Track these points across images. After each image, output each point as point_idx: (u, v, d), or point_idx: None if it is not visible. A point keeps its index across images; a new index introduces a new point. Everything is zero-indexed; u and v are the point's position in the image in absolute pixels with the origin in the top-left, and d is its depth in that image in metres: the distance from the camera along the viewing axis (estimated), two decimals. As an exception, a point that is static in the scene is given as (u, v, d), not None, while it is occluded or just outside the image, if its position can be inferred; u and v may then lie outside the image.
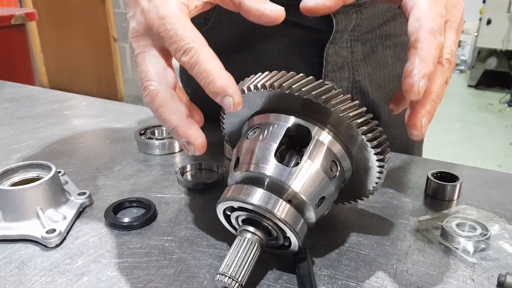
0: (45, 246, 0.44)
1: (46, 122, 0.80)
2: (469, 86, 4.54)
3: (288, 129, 0.41)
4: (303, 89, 0.39)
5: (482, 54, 4.33)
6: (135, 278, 0.39)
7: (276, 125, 0.42)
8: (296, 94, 0.39)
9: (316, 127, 0.41)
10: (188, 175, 0.60)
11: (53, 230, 0.44)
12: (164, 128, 0.71)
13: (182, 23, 0.38)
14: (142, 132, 0.69)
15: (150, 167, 0.62)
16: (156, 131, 0.70)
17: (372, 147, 0.40)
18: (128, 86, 3.92)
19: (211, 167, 0.61)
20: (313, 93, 0.38)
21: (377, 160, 0.41)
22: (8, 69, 1.29)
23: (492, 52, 4.28)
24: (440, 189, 0.54)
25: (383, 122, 0.78)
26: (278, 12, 0.39)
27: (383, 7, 0.69)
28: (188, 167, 0.61)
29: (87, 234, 0.46)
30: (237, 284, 0.36)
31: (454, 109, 3.98)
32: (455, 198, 0.54)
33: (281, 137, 0.40)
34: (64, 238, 0.45)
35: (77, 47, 4.01)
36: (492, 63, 4.30)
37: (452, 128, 3.50)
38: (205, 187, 0.55)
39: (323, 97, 0.39)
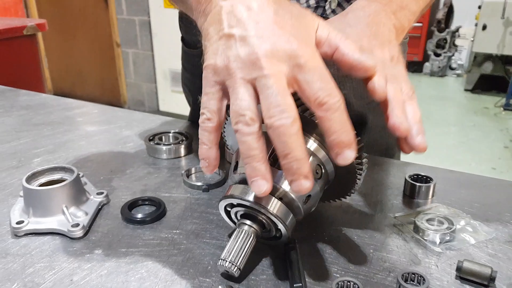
0: (71, 238, 0.51)
1: (62, 128, 0.87)
2: (466, 90, 4.62)
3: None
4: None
5: (478, 59, 4.41)
6: (149, 264, 0.46)
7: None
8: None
9: (305, 134, 0.48)
10: (193, 177, 0.67)
11: (77, 225, 0.51)
12: (170, 134, 0.78)
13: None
14: (151, 138, 0.76)
15: (159, 170, 0.69)
16: (163, 137, 0.77)
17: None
18: (130, 90, 4.00)
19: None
20: (299, 108, 0.46)
21: (356, 164, 0.48)
22: (20, 78, 1.36)
23: (488, 57, 4.36)
24: (415, 189, 0.61)
25: (364, 127, 0.86)
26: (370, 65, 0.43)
27: None
28: (193, 170, 0.68)
29: (106, 228, 0.53)
30: (236, 267, 0.43)
31: (451, 113, 4.05)
32: (430, 197, 0.61)
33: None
34: (87, 231, 0.52)
35: (80, 52, 4.09)
36: (488, 68, 4.38)
37: (448, 132, 3.57)
38: (208, 187, 0.62)
39: (309, 111, 0.46)
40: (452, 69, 5.15)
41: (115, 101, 4.09)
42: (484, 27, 4.08)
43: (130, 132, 0.85)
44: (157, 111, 3.77)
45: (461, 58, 5.16)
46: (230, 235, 0.50)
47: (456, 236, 0.51)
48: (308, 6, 0.72)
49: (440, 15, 4.83)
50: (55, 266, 0.46)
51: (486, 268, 0.44)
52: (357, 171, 0.49)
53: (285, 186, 0.45)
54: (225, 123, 0.57)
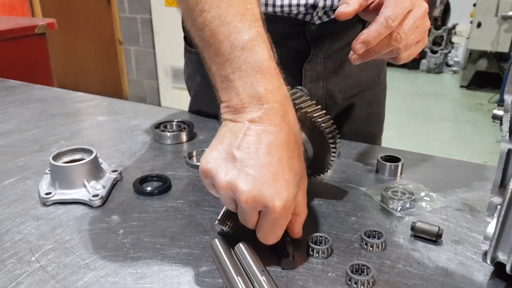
0: (91, 206, 0.61)
1: (76, 118, 0.97)
2: (461, 86, 4.70)
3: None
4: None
5: (473, 56, 4.50)
6: (159, 225, 0.56)
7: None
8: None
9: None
10: (194, 159, 0.76)
11: (97, 195, 0.61)
12: (174, 123, 0.88)
13: None
14: (156, 126, 0.86)
15: (164, 153, 0.78)
16: (168, 125, 0.87)
17: (326, 134, 0.57)
18: (132, 87, 4.09)
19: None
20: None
21: (330, 143, 0.58)
22: (31, 75, 1.45)
23: (483, 54, 4.45)
24: (385, 168, 0.70)
25: (349, 117, 0.95)
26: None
27: (350, 33, 0.87)
28: (194, 153, 0.77)
29: (121, 198, 0.63)
30: (228, 226, 0.52)
31: (446, 108, 4.14)
32: (398, 175, 0.71)
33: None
34: (105, 201, 0.62)
35: (83, 49, 4.19)
36: (482, 65, 4.47)
37: (443, 127, 3.66)
38: (207, 167, 0.72)
39: (293, 100, 0.55)
40: (448, 66, 5.23)
41: (117, 97, 4.16)
42: (479, 25, 4.17)
43: (137, 121, 0.94)
44: (159, 107, 3.87)
45: (458, 55, 5.25)
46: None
47: (416, 204, 0.61)
48: (298, 13, 0.80)
49: (437, 12, 4.92)
50: (79, 227, 0.56)
51: (434, 227, 0.53)
52: (332, 149, 0.59)
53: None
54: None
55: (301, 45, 0.85)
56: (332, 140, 0.58)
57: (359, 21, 0.90)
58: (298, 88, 0.66)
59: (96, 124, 0.93)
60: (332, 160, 0.61)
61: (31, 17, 2.93)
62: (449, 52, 5.20)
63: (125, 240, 0.53)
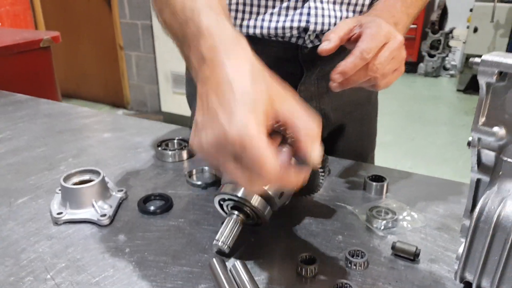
0: (99, 225, 0.66)
1: (82, 135, 1.02)
2: (458, 90, 4.76)
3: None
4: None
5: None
6: (161, 244, 0.61)
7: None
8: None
9: (280, 144, 0.63)
10: (194, 177, 0.82)
11: (104, 215, 0.66)
12: (175, 141, 0.93)
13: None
14: (159, 144, 0.91)
15: (166, 171, 0.84)
16: (169, 143, 0.92)
17: (315, 160, 0.62)
18: (133, 92, 4.15)
19: (210, 171, 0.83)
20: (275, 125, 0.60)
21: (319, 168, 0.63)
22: (36, 88, 1.50)
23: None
24: (372, 187, 0.76)
25: (341, 135, 1.00)
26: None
27: (341, 56, 0.93)
28: (194, 171, 0.82)
29: (126, 217, 0.68)
30: (226, 246, 0.58)
31: (442, 112, 4.20)
32: (384, 193, 0.76)
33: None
34: (112, 220, 0.67)
35: (84, 54, 4.24)
36: (479, 69, 4.52)
37: (439, 131, 3.71)
38: (206, 186, 0.77)
39: (281, 128, 0.60)
40: (446, 69, 5.28)
41: (118, 101, 4.25)
42: (476, 30, 4.22)
43: (140, 138, 1.00)
44: (159, 112, 3.92)
45: (455, 59, 5.30)
46: (222, 222, 0.64)
47: (397, 224, 0.66)
48: (291, 36, 0.86)
49: (434, 17, 4.97)
50: (89, 246, 0.61)
51: (412, 247, 0.58)
52: (321, 176, 0.64)
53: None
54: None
55: (294, 67, 0.90)
56: (321, 166, 0.63)
57: None
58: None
59: (102, 141, 0.99)
60: (321, 182, 0.66)
61: (33, 24, 2.98)
62: (447, 56, 5.26)
63: (131, 258, 0.59)
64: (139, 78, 4.02)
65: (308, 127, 0.48)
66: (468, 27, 4.39)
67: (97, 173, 0.72)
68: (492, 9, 3.95)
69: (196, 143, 0.46)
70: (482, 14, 4.13)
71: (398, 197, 0.75)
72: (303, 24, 0.84)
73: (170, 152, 0.88)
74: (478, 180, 0.53)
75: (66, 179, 0.70)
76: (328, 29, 0.84)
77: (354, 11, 0.87)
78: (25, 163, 0.88)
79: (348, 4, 0.86)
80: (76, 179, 0.72)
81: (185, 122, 1.10)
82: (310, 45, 0.87)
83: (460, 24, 5.13)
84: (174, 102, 3.64)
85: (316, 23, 0.83)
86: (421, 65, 5.33)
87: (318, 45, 0.87)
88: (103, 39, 4.01)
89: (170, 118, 3.80)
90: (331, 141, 1.02)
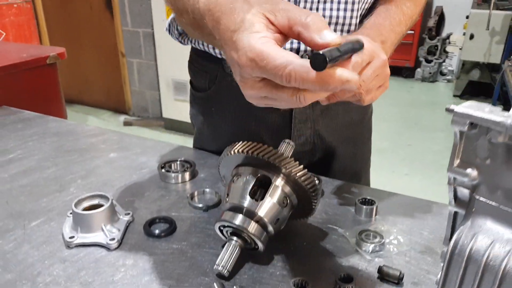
0: (108, 248, 0.71)
1: (89, 155, 1.07)
2: (455, 96, 4.82)
3: (258, 177, 0.68)
4: (265, 156, 0.66)
5: (466, 66, 4.62)
6: (166, 267, 0.67)
7: (250, 175, 0.69)
8: (261, 158, 0.66)
9: (275, 176, 0.68)
10: (196, 199, 0.87)
11: (113, 239, 0.72)
12: (178, 162, 0.98)
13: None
14: (162, 165, 0.96)
15: (169, 193, 0.89)
16: (172, 164, 0.98)
17: (307, 188, 0.67)
18: (135, 98, 4.20)
19: (211, 193, 0.89)
20: (271, 158, 0.66)
21: (311, 193, 0.69)
22: (43, 103, 1.55)
23: (476, 65, 4.56)
24: (362, 210, 0.81)
25: (336, 155, 1.06)
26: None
27: None
28: (195, 193, 0.88)
29: (133, 241, 0.74)
30: (226, 270, 0.63)
31: (439, 118, 4.25)
32: (373, 216, 0.81)
33: (253, 183, 0.68)
34: (120, 243, 0.72)
35: (87, 61, 4.30)
36: (475, 75, 4.59)
37: (435, 137, 3.77)
38: (207, 208, 0.83)
39: (277, 160, 0.66)
40: (443, 74, 5.34)
41: (120, 107, 4.30)
42: (472, 37, 4.28)
43: (145, 158, 1.05)
44: (160, 118, 3.97)
45: (452, 64, 5.35)
46: (223, 246, 0.69)
47: (384, 247, 0.71)
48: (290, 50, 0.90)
49: (431, 23, 5.03)
50: (100, 270, 0.67)
51: (396, 271, 0.64)
52: (313, 201, 0.70)
53: (261, 212, 0.65)
54: (220, 161, 0.77)
55: None
56: (314, 194, 0.69)
57: None
58: (285, 141, 0.78)
59: (108, 161, 1.04)
60: (313, 207, 0.72)
61: (37, 33, 3.04)
62: (443, 61, 5.31)
63: (139, 282, 0.64)
64: (140, 85, 4.08)
65: (311, 15, 0.50)
66: (464, 34, 4.44)
67: (105, 198, 0.77)
68: (488, 17, 4.01)
69: (241, 88, 0.54)
70: (478, 21, 4.19)
71: (386, 219, 0.80)
72: (295, 45, 0.89)
73: (173, 174, 0.93)
74: (456, 213, 0.58)
75: (77, 204, 0.76)
76: None
77: (342, 31, 0.91)
78: (36, 184, 0.93)
79: (336, 24, 0.90)
80: (86, 203, 0.77)
81: (186, 128, 1.15)
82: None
83: (457, 30, 5.19)
84: (175, 108, 3.69)
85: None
86: (418, 70, 5.38)
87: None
88: (105, 46, 4.07)
89: (171, 124, 3.86)
90: (326, 162, 1.07)
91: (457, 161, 0.53)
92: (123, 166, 1.01)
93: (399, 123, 4.07)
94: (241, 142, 0.71)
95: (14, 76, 1.50)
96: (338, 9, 0.89)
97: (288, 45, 0.89)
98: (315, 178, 0.76)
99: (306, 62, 0.47)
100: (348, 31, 0.93)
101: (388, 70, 0.73)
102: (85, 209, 0.76)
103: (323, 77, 0.47)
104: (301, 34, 0.49)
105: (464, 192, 0.56)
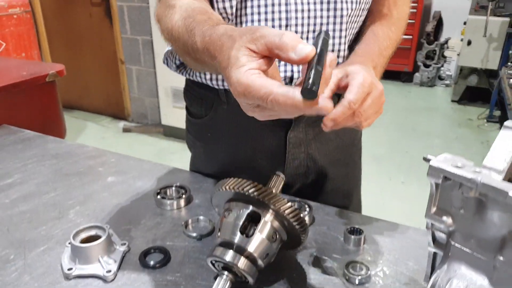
0: (105, 280, 0.74)
1: (87, 179, 1.10)
2: (453, 101, 4.84)
3: (248, 213, 0.71)
4: (255, 193, 0.69)
5: (464, 72, 4.65)
6: (160, 301, 0.70)
7: (241, 211, 0.72)
8: (251, 195, 0.69)
9: (264, 212, 0.71)
10: (190, 227, 0.90)
11: (110, 271, 0.75)
12: (173, 188, 1.01)
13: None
14: (158, 191, 0.99)
15: (165, 220, 0.92)
16: (168, 191, 1.01)
17: (295, 224, 0.70)
18: (134, 104, 4.24)
19: (205, 220, 0.92)
20: (260, 196, 0.69)
21: (299, 229, 0.72)
22: (42, 122, 1.58)
23: (473, 70, 4.59)
24: (350, 239, 0.84)
25: (328, 177, 1.09)
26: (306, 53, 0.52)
27: None
28: (190, 221, 0.91)
29: (129, 271, 0.77)
30: (217, 305, 0.66)
31: (436, 124, 4.28)
32: (361, 245, 0.84)
33: (244, 219, 0.71)
34: (116, 275, 0.75)
35: (86, 67, 4.34)
36: (473, 80, 4.62)
37: (432, 144, 3.80)
38: (201, 237, 0.86)
39: (266, 198, 0.69)
40: (441, 79, 5.37)
41: (119, 113, 4.34)
42: (469, 43, 4.31)
43: (141, 182, 1.08)
44: (159, 124, 4.00)
45: (450, 69, 5.38)
46: (215, 278, 0.72)
47: (370, 279, 0.74)
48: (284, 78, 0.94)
49: (430, 28, 5.05)
50: (97, 302, 0.70)
51: (380, 305, 0.67)
52: (301, 233, 0.73)
53: (250, 248, 0.68)
54: (214, 194, 0.80)
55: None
56: (302, 229, 0.71)
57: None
58: (276, 174, 0.81)
59: (106, 186, 1.07)
60: (302, 241, 0.75)
61: (37, 42, 3.07)
62: (442, 66, 5.34)
63: (134, 316, 0.67)
64: (139, 91, 4.11)
65: (284, 35, 0.52)
66: (462, 40, 4.47)
67: (102, 229, 0.80)
68: (485, 24, 4.03)
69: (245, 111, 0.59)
70: (476, 27, 4.22)
71: (374, 248, 0.83)
72: (288, 74, 0.92)
73: (168, 201, 0.96)
74: (435, 253, 0.61)
75: (75, 235, 0.79)
76: None
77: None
78: (36, 211, 0.96)
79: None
80: (84, 234, 0.80)
81: (184, 135, 1.18)
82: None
83: (455, 35, 5.21)
84: (174, 116, 3.73)
85: (299, 71, 0.91)
86: (417, 75, 5.41)
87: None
88: (105, 54, 4.10)
89: (170, 131, 3.89)
90: (318, 183, 1.10)
91: (433, 209, 0.56)
92: (121, 191, 1.04)
93: (396, 129, 4.10)
94: (232, 179, 0.73)
95: (13, 94, 1.53)
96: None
97: (282, 74, 0.92)
98: (306, 206, 0.80)
99: (286, 91, 0.51)
100: (338, 57, 0.96)
101: (383, 98, 0.79)
102: (83, 240, 0.79)
103: (303, 104, 0.50)
104: (279, 56, 0.53)
105: (442, 235, 0.59)
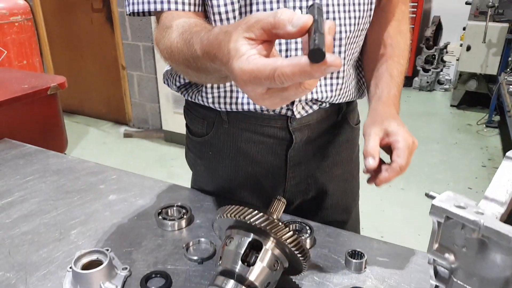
0: (107, 306, 0.75)
1: (89, 197, 1.10)
2: (452, 105, 4.85)
3: (250, 241, 0.72)
4: (256, 222, 0.69)
5: (463, 77, 4.66)
6: (162, 329, 0.70)
7: (242, 239, 0.72)
8: (252, 224, 0.69)
9: (265, 240, 0.71)
10: (191, 250, 0.90)
11: (111, 297, 0.75)
12: (174, 208, 1.01)
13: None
14: (159, 212, 1.00)
15: (166, 242, 0.92)
16: (169, 210, 1.01)
17: (297, 252, 0.71)
18: (135, 109, 4.24)
19: (206, 242, 0.92)
20: (262, 224, 0.69)
21: (300, 257, 0.72)
22: (43, 136, 1.58)
23: (473, 75, 4.60)
24: (351, 263, 0.84)
25: (328, 192, 1.10)
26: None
27: (325, 122, 1.02)
28: (191, 243, 0.91)
29: (131, 298, 0.77)
30: (218, 335, 0.66)
31: (435, 129, 4.28)
32: (363, 268, 0.84)
33: (245, 247, 0.71)
34: (118, 301, 0.76)
35: (87, 72, 4.34)
36: (472, 86, 4.62)
37: (431, 150, 3.80)
38: (202, 260, 0.86)
39: (268, 227, 0.69)
40: (440, 83, 5.37)
41: (120, 118, 4.34)
42: (468, 48, 4.31)
43: (143, 201, 1.08)
44: (160, 130, 4.00)
45: (449, 73, 5.39)
46: (216, 305, 0.73)
47: (371, 306, 0.75)
48: (281, 108, 0.95)
49: (429, 32, 5.06)
50: (99, 330, 0.70)
51: (381, 334, 0.67)
52: (303, 264, 0.73)
53: (252, 277, 0.69)
54: (215, 220, 0.80)
55: (285, 134, 1.00)
56: (303, 257, 0.72)
57: (334, 112, 1.05)
58: (277, 198, 0.82)
59: (107, 204, 1.07)
60: (304, 268, 0.75)
61: (38, 49, 3.07)
62: (441, 70, 5.35)
63: None
64: (141, 97, 4.11)
65: (277, 12, 0.51)
66: (461, 45, 4.48)
67: (104, 254, 0.81)
68: (485, 29, 4.04)
69: (257, 103, 0.56)
70: (475, 33, 4.22)
71: (375, 272, 0.83)
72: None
73: (169, 222, 0.96)
74: (437, 286, 0.61)
75: (76, 261, 0.79)
76: (312, 97, 0.94)
77: (331, 78, 0.95)
78: (37, 232, 0.96)
79: (324, 77, 0.94)
80: (85, 259, 0.81)
81: (185, 140, 1.18)
82: (298, 116, 0.96)
83: (454, 39, 5.22)
84: (175, 121, 3.73)
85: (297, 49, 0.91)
86: (416, 79, 5.42)
87: (305, 116, 0.97)
88: (106, 59, 4.11)
89: (171, 137, 3.90)
90: (318, 199, 1.11)
91: (436, 245, 0.56)
92: (122, 210, 1.04)
93: (396, 134, 4.09)
94: (233, 207, 0.74)
95: (15, 108, 1.54)
96: None
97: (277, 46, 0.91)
98: (307, 228, 0.82)
99: (291, 60, 0.48)
100: (337, 78, 0.96)
101: (416, 143, 0.88)
102: (84, 265, 0.79)
103: (312, 67, 0.47)
104: (278, 34, 0.51)
105: (444, 270, 0.59)
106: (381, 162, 0.84)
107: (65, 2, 4.12)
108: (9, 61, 2.81)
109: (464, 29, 4.39)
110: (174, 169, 3.50)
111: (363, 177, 1.26)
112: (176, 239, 0.94)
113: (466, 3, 4.52)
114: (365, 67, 1.07)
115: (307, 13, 0.54)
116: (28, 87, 1.59)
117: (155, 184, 1.18)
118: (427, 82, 5.31)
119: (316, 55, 0.46)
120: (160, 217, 0.98)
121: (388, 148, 0.86)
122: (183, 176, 1.25)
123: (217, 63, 0.60)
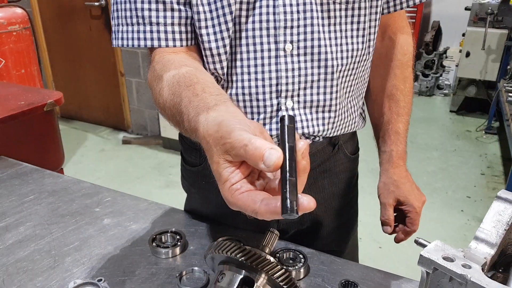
0: None
1: (83, 221, 1.10)
2: (451, 111, 4.85)
3: (241, 278, 0.72)
4: (247, 260, 0.69)
5: (462, 83, 4.65)
6: None
7: (234, 275, 0.72)
8: (244, 262, 0.69)
9: (257, 276, 0.72)
10: (185, 279, 0.90)
11: (104, 331, 0.75)
12: (169, 234, 1.01)
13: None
14: (153, 238, 1.00)
15: (159, 270, 0.92)
16: (163, 237, 1.01)
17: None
18: (133, 116, 4.24)
19: (199, 271, 0.92)
20: (253, 263, 0.69)
21: (294, 294, 0.72)
22: (40, 152, 1.59)
23: (472, 81, 4.60)
24: (344, 296, 0.84)
25: (323, 225, 1.09)
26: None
27: (321, 155, 1.01)
28: (184, 273, 0.91)
29: (123, 332, 0.77)
30: None
31: (435, 136, 4.28)
32: (355, 300, 0.85)
33: (237, 284, 0.71)
34: (110, 336, 0.76)
35: (86, 79, 4.35)
36: (471, 91, 4.62)
37: (430, 157, 3.80)
38: (196, 291, 0.86)
39: (259, 266, 0.69)
40: (440, 88, 5.37)
41: (119, 125, 4.35)
42: (468, 54, 4.31)
43: (137, 226, 1.08)
44: (159, 136, 4.01)
45: (449, 78, 5.38)
46: None
47: None
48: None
49: (428, 38, 5.06)
50: None
51: None
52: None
53: (244, 313, 0.69)
54: (208, 253, 0.80)
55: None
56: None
57: (329, 144, 1.04)
58: (270, 231, 0.82)
59: (102, 229, 1.07)
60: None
61: (36, 58, 3.08)
62: (440, 75, 5.34)
63: None
64: (139, 103, 4.12)
65: (248, 146, 0.52)
66: (460, 51, 4.47)
67: (97, 286, 0.81)
68: (484, 36, 4.04)
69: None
70: (474, 39, 4.22)
71: (367, 304, 0.84)
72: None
73: (163, 250, 0.96)
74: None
75: (70, 294, 0.79)
76: (303, 132, 0.93)
77: (323, 111, 0.94)
78: (32, 259, 0.96)
79: (317, 106, 0.93)
80: (79, 292, 0.81)
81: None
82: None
83: (454, 44, 5.22)
84: (173, 128, 3.73)
85: (287, 84, 0.90)
86: (416, 84, 5.41)
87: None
88: (104, 65, 4.11)
89: (169, 143, 3.90)
90: (313, 230, 1.11)
91: (424, 293, 0.56)
92: (116, 236, 1.05)
93: (395, 141, 4.09)
94: (225, 243, 0.74)
95: (11, 125, 1.54)
96: (318, 93, 0.92)
97: (274, 131, 0.92)
98: (301, 257, 0.82)
99: (268, 207, 0.52)
100: (329, 111, 0.95)
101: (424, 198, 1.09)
102: (78, 298, 0.79)
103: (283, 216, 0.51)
104: (253, 167, 0.54)
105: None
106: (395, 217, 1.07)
107: (64, 9, 4.13)
108: (7, 70, 2.82)
109: (463, 35, 4.39)
110: (172, 177, 3.50)
111: (362, 196, 1.27)
112: (169, 267, 0.94)
113: (466, 9, 4.52)
114: (370, 111, 1.13)
115: (279, 127, 0.57)
116: (25, 103, 1.59)
117: (149, 206, 1.18)
118: (427, 87, 5.30)
119: (289, 211, 0.51)
120: (154, 243, 0.98)
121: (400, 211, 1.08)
122: (181, 184, 1.25)
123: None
